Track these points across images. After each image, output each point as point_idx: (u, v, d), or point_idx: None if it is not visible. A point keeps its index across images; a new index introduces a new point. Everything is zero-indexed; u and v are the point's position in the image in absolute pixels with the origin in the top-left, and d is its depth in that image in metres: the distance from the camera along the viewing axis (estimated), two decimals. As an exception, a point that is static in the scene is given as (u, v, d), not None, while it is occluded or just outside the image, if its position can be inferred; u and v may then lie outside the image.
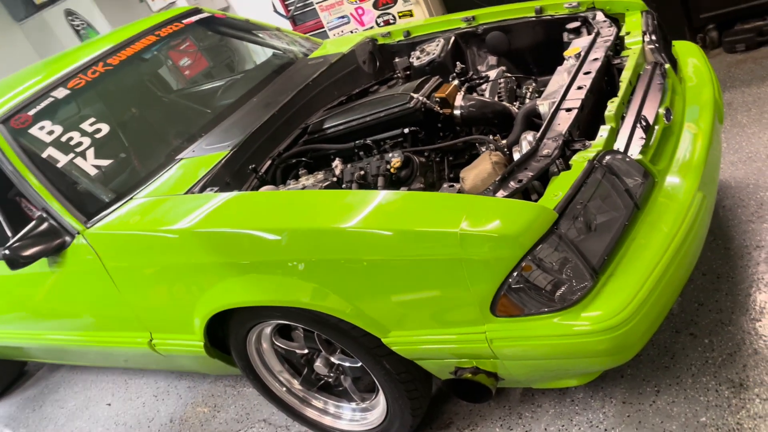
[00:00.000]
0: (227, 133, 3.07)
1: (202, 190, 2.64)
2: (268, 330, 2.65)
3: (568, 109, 2.37)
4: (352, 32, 5.51)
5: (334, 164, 2.90)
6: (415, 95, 2.80)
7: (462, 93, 2.83)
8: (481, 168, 2.43)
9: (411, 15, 5.16)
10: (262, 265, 2.31)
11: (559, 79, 2.63)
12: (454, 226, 1.94)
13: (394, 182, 2.74)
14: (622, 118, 2.41)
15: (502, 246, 1.90)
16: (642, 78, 2.62)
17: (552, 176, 2.18)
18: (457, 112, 2.79)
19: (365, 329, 2.22)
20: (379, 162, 2.73)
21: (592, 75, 2.56)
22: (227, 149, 2.87)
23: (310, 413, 2.83)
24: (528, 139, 2.39)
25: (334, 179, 2.79)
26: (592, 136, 2.27)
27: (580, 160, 2.13)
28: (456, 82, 2.98)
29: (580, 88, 2.49)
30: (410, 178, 2.74)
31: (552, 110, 2.40)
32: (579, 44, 2.86)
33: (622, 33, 2.92)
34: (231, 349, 2.73)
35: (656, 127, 2.42)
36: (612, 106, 2.33)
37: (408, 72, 3.63)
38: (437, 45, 3.52)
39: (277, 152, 3.03)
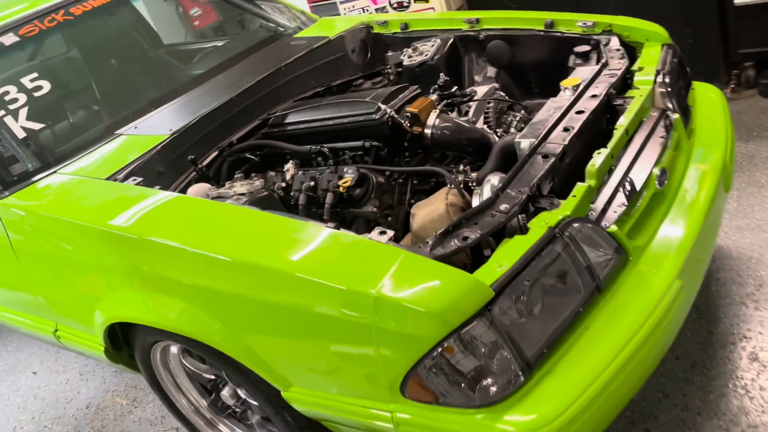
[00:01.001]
0: (177, 112, 2.75)
1: (125, 178, 2.33)
2: (175, 348, 2.36)
3: (545, 156, 2.02)
4: (364, 10, 5.11)
5: (286, 167, 2.58)
6: (384, 106, 2.45)
7: (437, 111, 2.47)
8: (433, 208, 2.09)
9: (427, 1, 4.75)
10: (164, 283, 2.01)
11: (547, 113, 2.27)
12: (370, 286, 1.61)
13: (345, 200, 2.42)
14: (610, 171, 2.05)
15: (422, 321, 1.58)
16: (643, 127, 2.25)
17: (508, 235, 1.84)
18: (428, 131, 2.44)
19: (264, 378, 1.92)
20: (331, 176, 2.39)
21: (585, 116, 2.19)
22: (167, 133, 2.55)
23: (215, 438, 2.55)
24: (492, 182, 2.04)
25: (280, 186, 2.47)
26: (572, 186, 1.93)
27: (540, 225, 1.79)
28: (434, 96, 2.62)
29: (567, 129, 2.13)
30: (363, 198, 2.41)
31: (528, 152, 2.05)
32: (581, 74, 2.48)
33: (635, 67, 2.53)
34: (136, 358, 2.44)
35: (644, 192, 2.06)
36: (596, 160, 1.97)
37: (400, 69, 3.26)
38: (432, 45, 3.15)
39: (227, 143, 2.70)
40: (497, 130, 2.56)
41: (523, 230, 1.82)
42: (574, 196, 1.89)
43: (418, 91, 2.62)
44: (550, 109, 2.29)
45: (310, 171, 2.53)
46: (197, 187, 2.41)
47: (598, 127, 2.30)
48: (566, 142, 2.05)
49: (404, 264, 1.65)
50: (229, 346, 1.91)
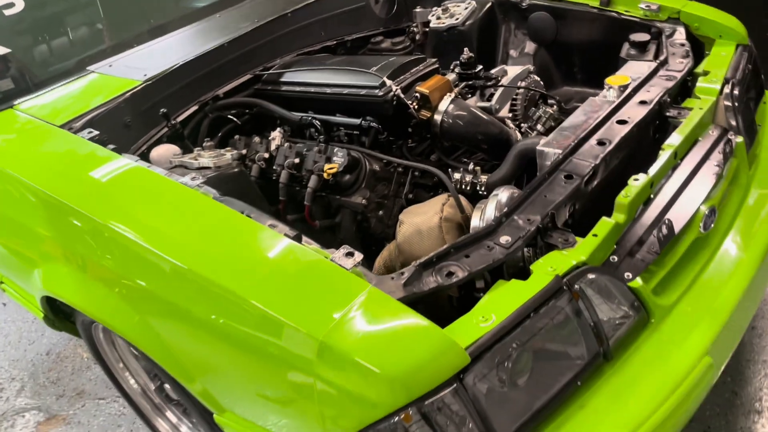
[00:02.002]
0: (158, 54, 2.39)
1: (82, 128, 2.01)
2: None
3: (569, 176, 1.64)
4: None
5: (272, 135, 2.23)
6: (389, 82, 2.06)
7: (453, 94, 2.07)
8: (424, 219, 1.74)
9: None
10: (98, 269, 1.71)
11: (581, 117, 1.87)
12: (318, 327, 1.29)
13: (331, 186, 2.07)
14: (647, 202, 1.67)
15: (376, 384, 1.25)
16: (696, 148, 1.84)
17: (506, 272, 1.50)
18: (437, 117, 2.05)
19: (197, 397, 1.64)
20: (319, 156, 2.05)
21: (627, 128, 1.79)
22: (140, 79, 2.21)
23: (161, 426, 2.31)
24: (500, 199, 1.68)
25: (262, 156, 2.13)
26: (595, 216, 1.56)
27: (545, 271, 1.43)
28: (453, 75, 2.21)
29: (601, 143, 1.74)
30: (352, 186, 2.06)
31: (548, 168, 1.67)
32: (632, 71, 2.06)
33: (699, 69, 2.09)
34: (79, 331, 2.18)
35: (684, 236, 1.68)
36: (631, 188, 1.59)
37: (426, 29, 2.84)
38: (466, 8, 2.71)
39: (211, 96, 2.35)
40: (522, 124, 2.17)
41: (524, 271, 1.47)
42: (595, 235, 1.52)
43: (435, 66, 2.22)
44: (587, 112, 1.89)
45: (298, 144, 2.19)
46: (162, 149, 2.09)
47: (642, 143, 1.90)
48: (598, 161, 1.67)
49: (367, 303, 1.32)
50: (163, 358, 1.63)
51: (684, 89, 2.08)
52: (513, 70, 2.38)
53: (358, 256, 1.42)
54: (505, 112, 2.28)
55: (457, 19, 2.66)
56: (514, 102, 2.24)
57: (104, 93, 2.17)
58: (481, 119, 2.03)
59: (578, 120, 1.87)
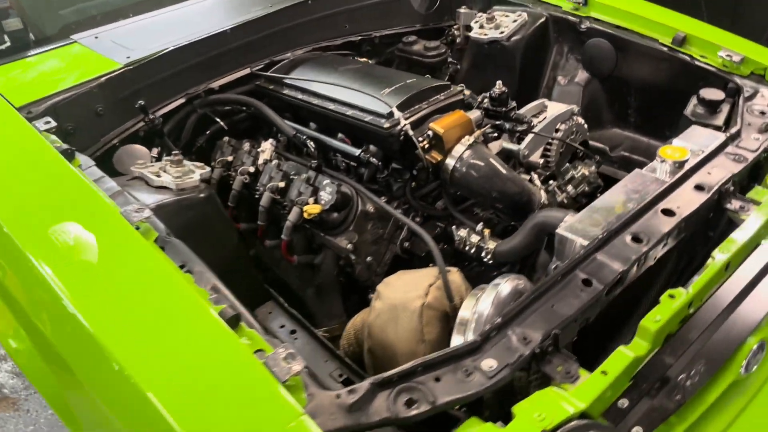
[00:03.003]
0: (153, 31, 2.10)
1: (41, 116, 1.75)
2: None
3: (588, 282, 1.31)
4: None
5: (262, 146, 1.94)
6: (398, 113, 1.73)
7: (474, 138, 1.73)
8: (403, 300, 1.44)
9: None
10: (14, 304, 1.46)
11: (619, 196, 1.52)
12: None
13: (316, 223, 1.78)
14: (684, 321, 1.34)
15: None
16: (756, 256, 1.49)
17: (485, 402, 1.20)
18: (450, 163, 1.72)
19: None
20: (306, 186, 1.76)
21: (675, 222, 1.44)
22: (122, 62, 1.92)
23: None
24: (500, 292, 1.37)
25: (247, 170, 1.85)
26: (608, 335, 1.25)
27: (531, 419, 1.12)
28: (477, 113, 1.85)
29: (638, 240, 1.40)
30: (339, 227, 1.76)
31: (564, 267, 1.34)
32: (694, 141, 1.69)
33: (779, 148, 1.71)
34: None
35: (720, 376, 1.35)
36: (663, 309, 1.26)
37: (468, 34, 2.48)
38: (515, 21, 2.33)
39: (203, 89, 2.06)
40: (551, 181, 1.82)
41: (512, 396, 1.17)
42: (605, 372, 1.20)
43: (460, 97, 1.87)
44: (628, 191, 1.55)
45: (289, 162, 1.89)
46: (130, 151, 1.82)
47: (690, 240, 1.55)
48: (627, 266, 1.33)
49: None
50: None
51: (755, 172, 1.71)
52: (554, 108, 2.02)
53: (298, 365, 1.13)
54: (536, 157, 1.94)
55: (503, 32, 2.29)
56: (547, 149, 1.89)
57: (79, 71, 1.90)
58: (500, 175, 1.69)
59: (615, 200, 1.53)
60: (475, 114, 1.79)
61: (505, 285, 1.42)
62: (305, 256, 1.85)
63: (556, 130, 1.95)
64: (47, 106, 1.79)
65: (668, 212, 1.47)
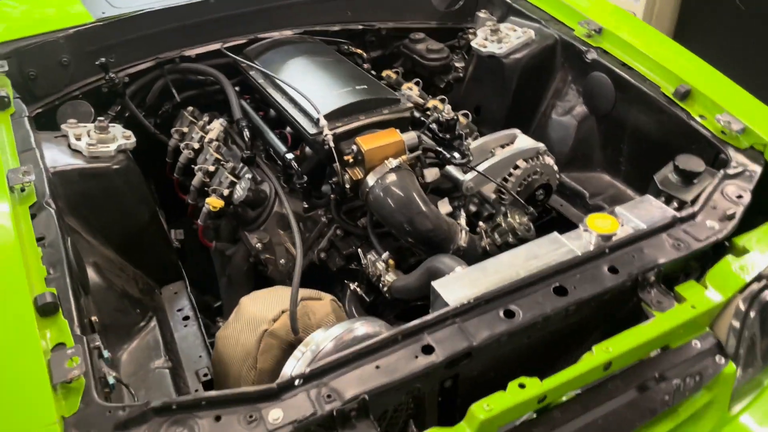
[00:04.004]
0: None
1: (6, 57, 1.81)
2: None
3: (428, 349, 1.21)
4: None
5: (211, 125, 1.92)
6: (324, 122, 1.63)
7: (401, 161, 1.61)
8: (251, 320, 1.39)
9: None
10: None
11: (519, 258, 1.39)
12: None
13: (233, 214, 1.75)
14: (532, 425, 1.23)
15: None
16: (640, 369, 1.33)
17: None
18: (368, 183, 1.61)
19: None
20: (226, 177, 1.72)
21: (563, 304, 1.30)
22: (95, 16, 1.94)
23: None
24: (350, 331, 1.29)
25: (192, 146, 1.84)
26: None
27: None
28: (414, 135, 1.70)
29: (510, 314, 1.27)
30: (253, 223, 1.73)
31: (412, 326, 1.24)
32: (637, 213, 1.51)
33: (741, 241, 1.49)
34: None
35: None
36: (498, 403, 1.14)
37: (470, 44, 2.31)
38: (519, 37, 2.14)
39: (175, 55, 2.05)
40: (481, 224, 1.68)
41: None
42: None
43: (405, 115, 1.74)
44: (530, 255, 1.40)
45: (232, 146, 1.86)
46: (74, 106, 1.87)
47: (586, 326, 1.39)
48: (477, 343, 1.21)
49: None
50: None
51: (703, 266, 1.50)
52: (522, 142, 1.85)
53: (79, 369, 1.11)
54: (489, 191, 1.80)
55: (501, 48, 2.11)
56: (500, 193, 1.75)
57: (51, 19, 1.93)
58: (416, 208, 1.57)
59: (514, 262, 1.39)
60: (409, 136, 1.66)
61: (361, 328, 1.33)
62: (223, 243, 1.83)
63: (515, 167, 1.80)
64: (11, 50, 1.83)
65: (561, 291, 1.32)
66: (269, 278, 1.79)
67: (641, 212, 1.53)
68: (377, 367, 1.17)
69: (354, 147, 1.62)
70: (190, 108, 2.06)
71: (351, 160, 1.62)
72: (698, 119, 1.76)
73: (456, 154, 1.68)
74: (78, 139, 1.66)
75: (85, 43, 1.93)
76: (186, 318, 1.73)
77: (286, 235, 1.74)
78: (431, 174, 1.70)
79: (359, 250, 1.68)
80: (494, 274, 1.37)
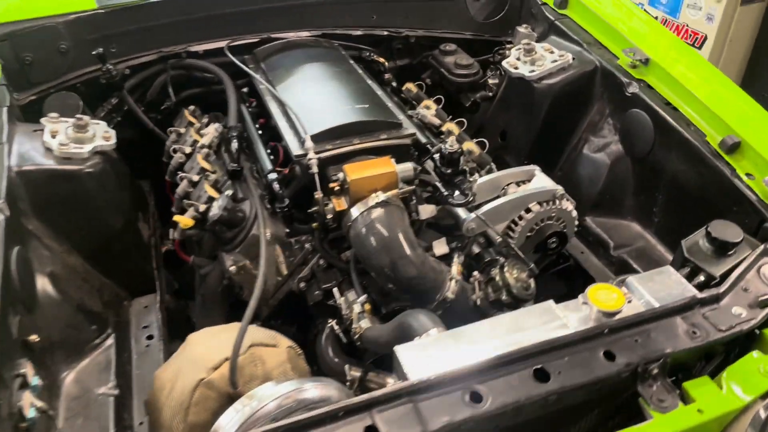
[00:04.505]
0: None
1: (2, 39, 1.72)
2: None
3: (371, 430, 1.04)
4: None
5: (206, 130, 1.79)
6: (310, 144, 1.47)
7: (391, 195, 1.43)
8: (191, 368, 1.25)
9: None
10: None
11: (499, 332, 1.20)
12: None
13: (213, 231, 1.62)
14: None
15: None
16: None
17: None
18: (352, 216, 1.44)
19: None
20: (203, 191, 1.59)
21: (542, 392, 1.11)
22: (99, 2, 1.83)
23: None
24: (298, 393, 1.15)
25: (183, 151, 1.73)
26: None
27: None
28: (410, 167, 1.51)
29: (477, 398, 1.09)
30: (229, 243, 1.59)
31: (363, 398, 1.08)
32: (647, 289, 1.30)
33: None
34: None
35: None
36: None
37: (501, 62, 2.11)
38: (555, 60, 1.91)
39: (181, 49, 1.92)
40: (475, 273, 1.49)
41: None
42: None
43: (405, 142, 1.56)
44: (517, 328, 1.21)
45: (221, 156, 1.73)
46: (61, 98, 1.76)
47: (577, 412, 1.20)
48: (435, 429, 1.04)
49: None
50: None
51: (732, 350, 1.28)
52: (540, 182, 1.65)
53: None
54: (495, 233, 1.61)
55: (534, 71, 1.90)
56: (511, 229, 1.56)
57: (54, 4, 1.83)
58: (400, 252, 1.39)
59: (491, 331, 1.21)
60: (404, 167, 1.48)
61: (312, 390, 1.18)
62: (201, 259, 1.70)
63: (527, 210, 1.60)
64: (7, 32, 1.75)
65: (543, 375, 1.13)
66: (245, 302, 1.65)
67: (657, 286, 1.31)
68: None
69: (340, 174, 1.45)
70: (192, 107, 1.94)
71: (337, 188, 1.46)
72: (744, 178, 1.52)
73: (456, 192, 1.49)
74: (54, 136, 1.55)
75: (86, 31, 1.83)
76: (150, 337, 1.62)
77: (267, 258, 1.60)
78: (426, 211, 1.52)
79: (335, 288, 1.52)
80: (468, 345, 1.19)
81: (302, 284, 1.62)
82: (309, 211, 1.50)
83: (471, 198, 1.48)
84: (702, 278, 1.39)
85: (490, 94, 2.14)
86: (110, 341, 1.54)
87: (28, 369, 1.23)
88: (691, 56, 1.88)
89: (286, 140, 1.55)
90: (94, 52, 1.79)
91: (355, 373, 1.46)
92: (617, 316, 1.24)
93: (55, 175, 1.50)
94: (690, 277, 1.41)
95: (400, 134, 1.56)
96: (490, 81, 2.15)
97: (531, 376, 1.13)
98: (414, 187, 1.48)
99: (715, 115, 1.62)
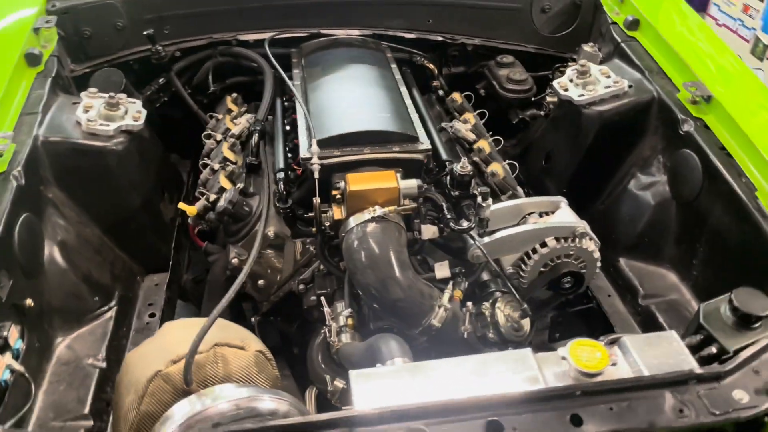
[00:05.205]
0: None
1: (64, 12, 1.82)
2: None
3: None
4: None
5: (238, 120, 1.81)
6: (315, 150, 1.44)
7: (386, 211, 1.38)
8: (150, 356, 1.26)
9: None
10: None
11: (458, 378, 1.13)
12: None
13: (223, 222, 1.64)
14: None
15: None
16: None
17: None
18: (349, 227, 1.40)
19: None
20: (215, 178, 1.61)
21: None
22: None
23: None
24: (250, 402, 1.14)
25: (215, 139, 1.76)
26: None
27: None
28: (414, 184, 1.43)
29: None
30: (234, 236, 1.61)
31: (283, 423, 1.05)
32: (642, 354, 1.17)
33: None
34: None
35: None
36: None
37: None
38: (608, 86, 1.77)
39: (231, 37, 1.95)
40: (468, 304, 1.41)
41: None
42: None
43: (418, 157, 1.50)
44: (474, 372, 1.14)
45: (246, 147, 1.74)
46: (107, 74, 1.83)
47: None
48: None
49: None
50: None
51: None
52: (564, 216, 1.54)
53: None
54: (508, 262, 1.52)
55: (583, 95, 1.77)
56: (523, 263, 1.47)
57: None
58: (388, 271, 1.33)
59: (453, 371, 1.14)
60: (408, 183, 1.41)
61: (267, 402, 1.16)
62: (213, 246, 1.73)
63: (543, 244, 1.49)
64: (68, 5, 1.84)
65: (495, 429, 1.05)
66: (244, 294, 1.67)
67: (653, 351, 1.19)
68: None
69: (342, 183, 1.42)
70: (235, 95, 1.97)
71: (338, 197, 1.43)
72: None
73: (462, 219, 1.41)
74: (87, 110, 1.61)
75: (142, 11, 1.89)
76: (152, 315, 1.66)
77: (270, 255, 1.59)
78: (429, 231, 1.45)
79: (323, 297, 1.48)
80: (424, 383, 1.13)
81: (301, 286, 1.61)
82: (306, 216, 1.48)
83: (473, 225, 1.40)
84: (714, 350, 1.25)
85: (542, 113, 2.03)
86: (110, 314, 1.59)
87: (11, 332, 1.29)
88: (765, 98, 1.68)
89: (299, 140, 1.54)
90: (144, 33, 1.85)
91: (339, 384, 1.43)
92: (597, 378, 1.13)
93: (78, 149, 1.56)
94: (700, 347, 1.27)
95: (414, 149, 1.50)
96: (548, 99, 2.03)
97: (483, 427, 1.05)
98: (416, 205, 1.42)
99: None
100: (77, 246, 1.57)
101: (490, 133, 1.88)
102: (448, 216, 1.42)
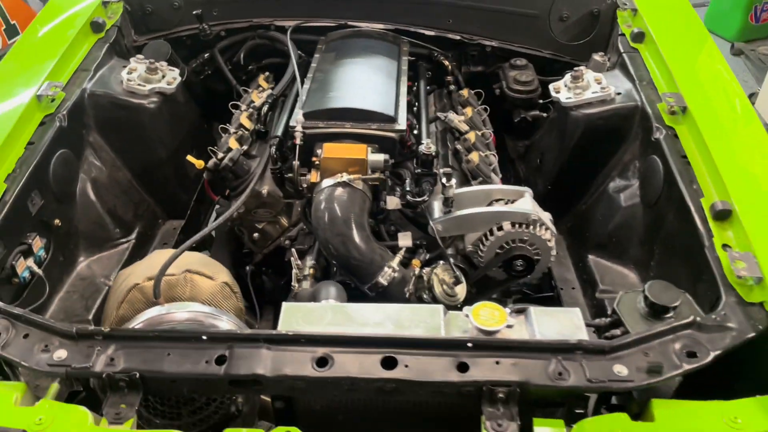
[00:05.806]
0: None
1: None
2: None
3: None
4: None
5: (266, 92, 2.06)
6: (300, 119, 1.65)
7: (351, 177, 1.56)
8: (138, 269, 1.52)
9: None
10: None
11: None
12: None
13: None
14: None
15: None
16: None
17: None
18: (316, 188, 1.60)
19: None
20: (233, 139, 1.85)
21: (326, 375, 1.22)
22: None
23: None
24: None
25: (241, 107, 2.01)
26: None
27: None
28: (381, 158, 1.59)
29: (322, 363, 1.23)
30: (234, 190, 1.86)
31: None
32: (542, 322, 1.30)
33: None
34: None
35: None
36: None
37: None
38: (595, 91, 1.86)
39: (270, 22, 2.20)
40: (425, 269, 1.57)
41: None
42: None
43: (390, 135, 1.67)
44: (393, 317, 1.31)
45: (264, 113, 1.98)
46: (156, 46, 2.11)
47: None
48: (271, 374, 1.20)
49: None
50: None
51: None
52: (525, 204, 1.66)
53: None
54: (469, 241, 1.68)
55: (570, 98, 1.87)
56: (482, 242, 1.61)
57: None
58: (347, 232, 1.52)
59: (368, 314, 1.33)
60: (376, 157, 1.59)
61: (219, 318, 1.39)
62: (223, 200, 1.98)
63: (499, 228, 1.63)
64: (138, -14, 2.15)
65: (389, 363, 1.22)
66: (242, 245, 1.91)
67: (553, 323, 1.32)
68: (168, 354, 1.23)
69: (319, 151, 1.62)
70: (267, 73, 2.21)
71: (316, 162, 1.64)
72: (718, 248, 1.41)
73: (417, 191, 1.59)
74: (131, 72, 1.91)
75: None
76: (164, 253, 1.94)
77: (263, 212, 1.82)
78: (392, 203, 1.63)
79: (294, 250, 1.69)
80: (342, 319, 1.31)
81: (287, 242, 1.83)
82: (287, 177, 1.70)
83: (425, 198, 1.57)
84: (618, 333, 1.35)
85: (545, 115, 2.14)
86: (128, 246, 1.88)
87: (35, 241, 1.59)
88: (744, 114, 1.73)
89: (294, 112, 1.76)
90: (194, 12, 2.13)
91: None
92: (495, 335, 1.27)
93: (116, 103, 1.86)
94: (608, 328, 1.38)
95: (390, 128, 1.68)
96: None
97: (379, 360, 1.22)
98: (380, 176, 1.60)
99: (720, 178, 1.51)
100: (108, 184, 1.87)
101: (494, 128, 2.02)
102: (408, 189, 1.59)
